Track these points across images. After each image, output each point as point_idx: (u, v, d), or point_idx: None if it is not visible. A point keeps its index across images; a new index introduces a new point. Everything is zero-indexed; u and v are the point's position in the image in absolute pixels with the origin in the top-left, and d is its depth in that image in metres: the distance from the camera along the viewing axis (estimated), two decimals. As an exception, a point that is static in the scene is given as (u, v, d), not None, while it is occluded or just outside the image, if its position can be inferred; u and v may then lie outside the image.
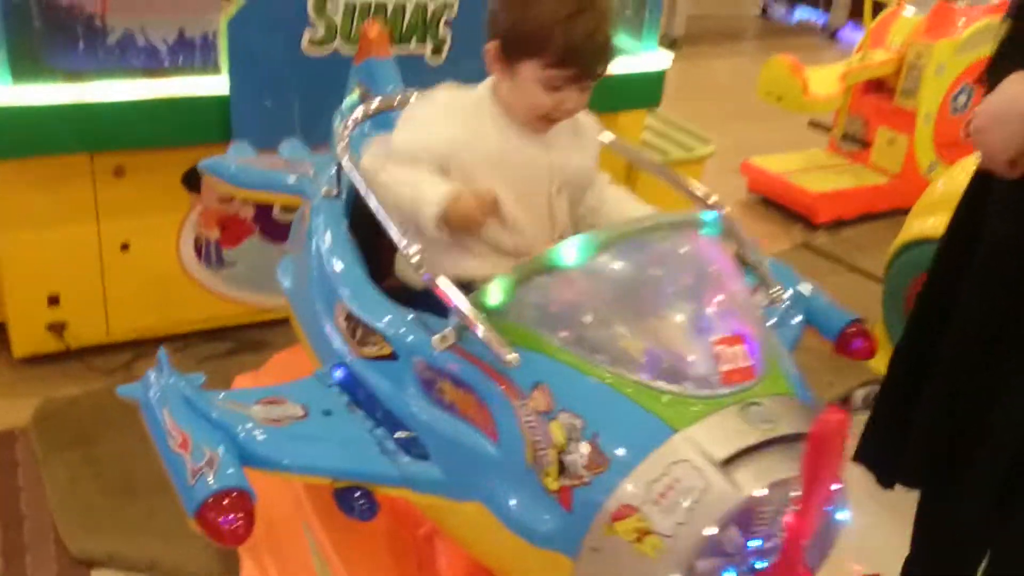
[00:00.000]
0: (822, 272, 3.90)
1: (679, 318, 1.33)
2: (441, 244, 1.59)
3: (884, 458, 1.81)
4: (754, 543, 1.21)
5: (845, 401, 2.99)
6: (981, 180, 1.62)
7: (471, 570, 1.67)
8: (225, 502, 1.26)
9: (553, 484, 1.28)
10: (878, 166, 4.44)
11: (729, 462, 1.20)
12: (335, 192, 1.85)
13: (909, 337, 1.81)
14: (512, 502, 1.34)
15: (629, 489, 1.21)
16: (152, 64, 2.55)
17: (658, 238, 1.40)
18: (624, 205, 1.78)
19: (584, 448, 1.25)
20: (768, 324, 1.55)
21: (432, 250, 1.50)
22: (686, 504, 1.18)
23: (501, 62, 1.60)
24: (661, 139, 3.84)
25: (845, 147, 4.56)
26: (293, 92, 2.66)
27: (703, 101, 5.57)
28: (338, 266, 1.70)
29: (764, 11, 8.55)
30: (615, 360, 1.29)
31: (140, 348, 2.89)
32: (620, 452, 1.23)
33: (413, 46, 2.76)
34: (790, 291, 1.74)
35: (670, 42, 6.67)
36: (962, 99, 4.31)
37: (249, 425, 1.40)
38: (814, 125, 4.61)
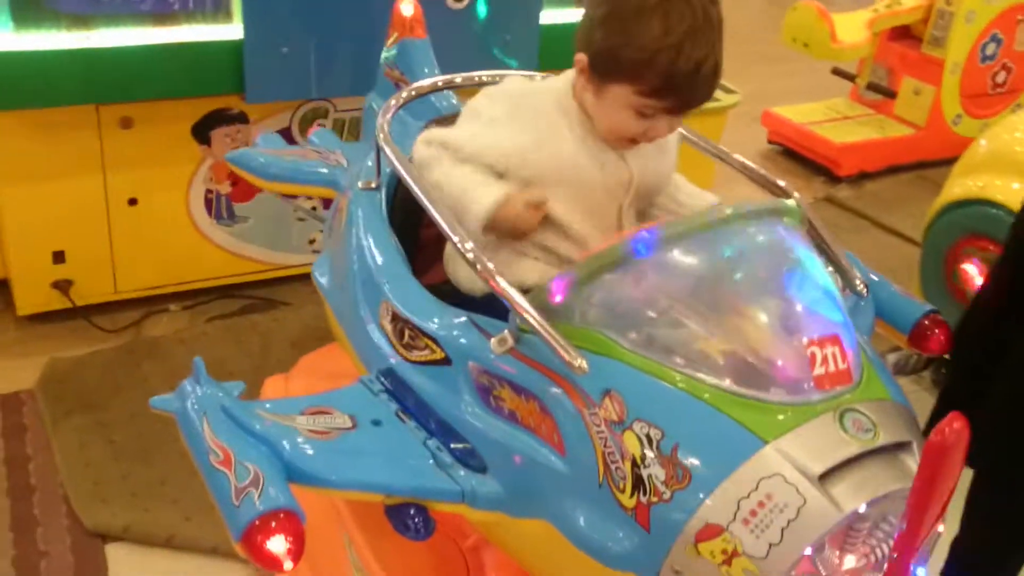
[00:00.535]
0: (846, 228, 3.80)
1: (764, 316, 1.21)
2: (492, 244, 1.49)
3: None
4: (849, 561, 1.12)
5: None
6: None
7: None
8: (273, 524, 1.14)
9: (629, 501, 1.17)
10: (903, 117, 4.32)
11: (825, 476, 1.10)
12: (374, 184, 1.73)
13: (982, 310, 1.72)
14: (582, 520, 1.23)
15: (715, 507, 1.10)
16: (160, 9, 2.42)
17: (736, 228, 1.27)
18: (699, 201, 1.65)
19: (663, 462, 1.15)
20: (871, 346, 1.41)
21: (484, 250, 1.38)
22: (780, 523, 1.07)
23: (589, 78, 1.43)
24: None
25: (869, 97, 4.43)
26: (311, 38, 2.52)
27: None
28: (382, 263, 1.59)
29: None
30: (694, 363, 1.18)
31: (148, 306, 2.80)
32: (704, 466, 1.12)
33: (435, -10, 2.62)
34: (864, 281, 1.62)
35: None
36: (991, 48, 4.18)
37: (296, 439, 1.29)
38: (838, 73, 4.46)
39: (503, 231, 1.45)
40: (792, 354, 1.17)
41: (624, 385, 1.19)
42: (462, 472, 1.32)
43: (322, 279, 1.82)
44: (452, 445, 1.35)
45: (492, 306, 1.34)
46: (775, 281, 1.25)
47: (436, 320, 1.42)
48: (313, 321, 2.71)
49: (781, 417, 1.13)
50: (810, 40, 3.93)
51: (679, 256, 1.24)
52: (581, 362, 1.19)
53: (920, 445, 1.17)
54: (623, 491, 1.17)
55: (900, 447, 1.12)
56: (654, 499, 1.14)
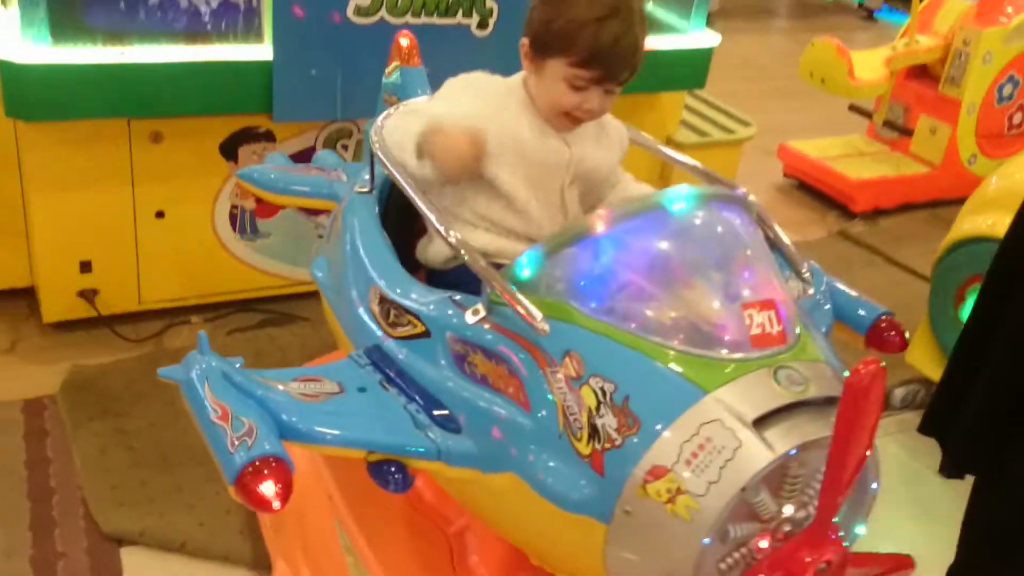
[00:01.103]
0: (859, 263, 3.83)
1: (708, 285, 1.35)
2: (450, 217, 1.65)
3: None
4: (787, 509, 1.22)
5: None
6: None
7: (503, 564, 1.69)
8: (264, 470, 1.26)
9: (585, 449, 1.29)
10: (918, 155, 4.36)
11: (760, 423, 1.21)
12: (368, 188, 1.89)
13: (968, 330, 1.81)
14: (545, 470, 1.35)
15: (660, 450, 1.22)
16: (194, 28, 2.49)
17: (685, 209, 1.41)
18: None
19: (615, 412, 1.26)
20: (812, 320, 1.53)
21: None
22: (718, 463, 1.19)
23: (531, 58, 1.64)
24: (701, 120, 3.76)
25: (885, 134, 4.48)
26: (337, 61, 2.59)
27: (738, 80, 5.48)
28: (372, 253, 1.73)
29: (798, -13, 8.41)
30: (645, 327, 1.31)
31: (171, 317, 2.86)
32: (651, 414, 1.24)
33: (459, 18, 2.69)
34: (821, 286, 1.76)
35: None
36: (1008, 89, 4.22)
37: (288, 400, 1.42)
38: (855, 110, 4.51)
39: (439, 157, 1.59)
40: (731, 317, 1.31)
41: (582, 346, 1.31)
42: (438, 432, 1.44)
43: (319, 274, 1.96)
44: (430, 409, 1.46)
45: (461, 287, 1.52)
46: (718, 256, 1.38)
47: (418, 298, 1.56)
48: (330, 337, 2.74)
49: (721, 371, 1.25)
50: (827, 76, 3.98)
51: (633, 234, 1.39)
52: (544, 325, 1.33)
53: None
54: (580, 440, 1.29)
55: (830, 401, 1.22)
56: (607, 445, 1.26)
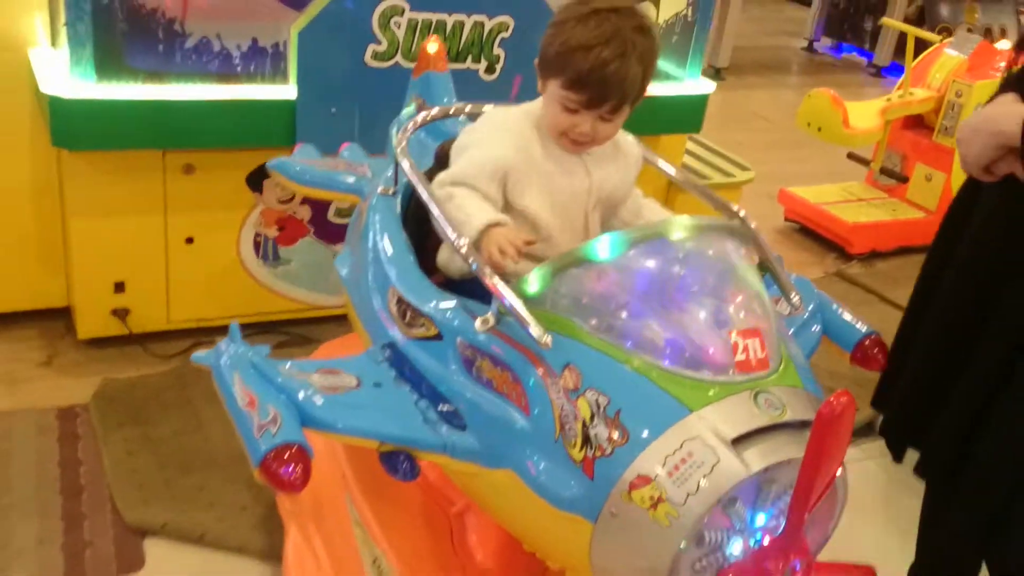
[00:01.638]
0: (854, 301, 3.97)
1: (700, 311, 1.43)
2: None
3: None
4: (760, 520, 1.32)
5: (869, 425, 3.07)
6: (971, 184, 1.88)
7: (499, 544, 1.80)
8: (286, 455, 1.39)
9: (578, 455, 1.38)
10: (914, 201, 4.53)
11: (739, 442, 1.30)
12: (391, 191, 1.98)
13: (906, 314, 2.06)
14: (540, 470, 1.45)
15: (646, 461, 1.31)
16: (226, 69, 2.70)
17: (684, 238, 1.51)
18: (658, 215, 1.90)
19: (607, 423, 1.36)
20: (788, 332, 1.65)
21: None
22: (697, 477, 1.28)
23: (540, 80, 1.73)
24: (701, 164, 3.96)
25: (882, 181, 4.66)
26: (355, 101, 2.81)
27: (745, 131, 5.69)
28: (392, 256, 1.84)
29: (810, 45, 8.65)
30: (640, 347, 1.40)
31: (197, 336, 3.05)
32: (639, 427, 1.34)
33: (468, 63, 2.91)
34: (811, 304, 1.85)
35: (714, 72, 6.81)
36: (1000, 139, 4.38)
37: (309, 391, 1.53)
38: (853, 158, 4.69)
39: (490, 260, 1.61)
40: (719, 342, 1.40)
41: (581, 361, 1.41)
42: (445, 428, 1.56)
43: (343, 270, 2.07)
44: (439, 406, 1.59)
45: (475, 293, 1.58)
46: (712, 285, 1.48)
47: (433, 303, 1.66)
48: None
49: (706, 392, 1.35)
50: (824, 124, 4.18)
51: (634, 259, 1.48)
52: (547, 338, 1.42)
53: None
54: (574, 446, 1.39)
55: (805, 425, 1.31)
56: (598, 453, 1.36)
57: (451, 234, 1.60)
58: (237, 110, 2.73)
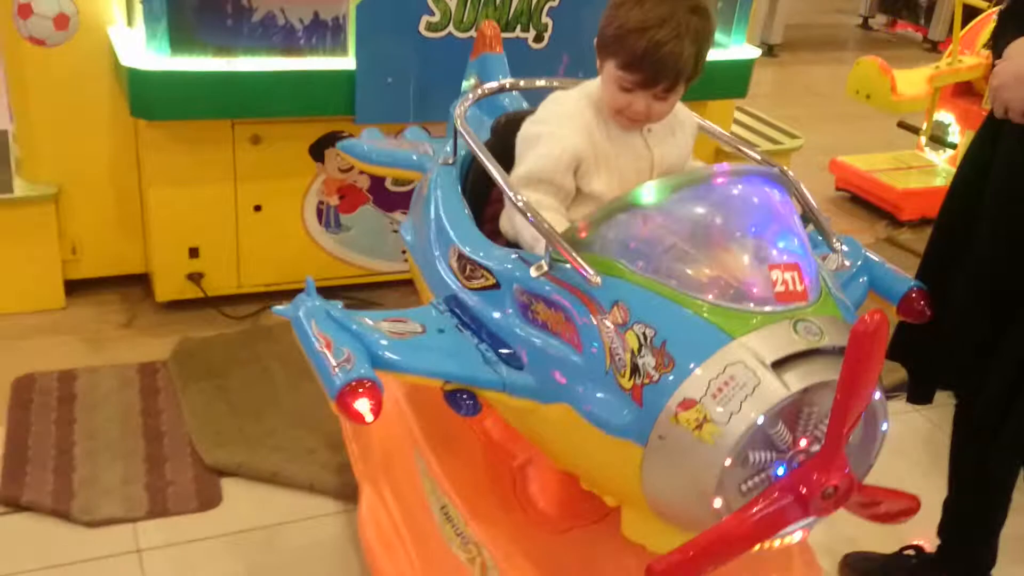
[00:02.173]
0: (903, 266, 3.91)
1: (742, 249, 1.50)
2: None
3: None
4: (802, 442, 1.39)
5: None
6: (992, 121, 1.88)
7: (560, 493, 1.92)
8: (360, 390, 1.49)
9: (627, 383, 1.46)
10: (965, 168, 4.53)
11: (779, 365, 1.37)
12: (451, 160, 2.11)
13: (926, 266, 2.06)
14: (592, 400, 1.53)
15: (691, 385, 1.38)
16: (289, 43, 2.86)
17: (726, 183, 1.58)
18: None
19: (654, 353, 1.45)
20: (833, 277, 1.71)
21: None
22: (740, 398, 1.35)
23: (597, 58, 1.79)
24: (750, 133, 4.05)
25: (932, 148, 4.68)
26: (411, 71, 2.95)
27: (799, 106, 5.73)
28: (452, 218, 1.96)
29: (865, 22, 8.62)
30: (684, 283, 1.47)
31: (265, 300, 3.20)
32: (684, 355, 1.41)
33: (518, 32, 3.03)
34: (858, 260, 1.93)
35: (768, 49, 6.85)
36: (1052, 104, 4.38)
37: (379, 335, 1.63)
38: (903, 126, 4.72)
39: None
40: (760, 276, 1.47)
41: (629, 297, 1.50)
42: (504, 368, 1.67)
43: (407, 236, 2.22)
44: (498, 349, 1.70)
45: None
46: (753, 223, 1.54)
47: (490, 255, 1.78)
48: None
49: (747, 321, 1.42)
50: (872, 91, 4.23)
51: (677, 203, 1.54)
52: (596, 278, 1.53)
53: None
54: (623, 376, 1.47)
55: (843, 351, 1.35)
56: (646, 381, 1.44)
57: (509, 190, 1.71)
58: (300, 81, 2.89)
